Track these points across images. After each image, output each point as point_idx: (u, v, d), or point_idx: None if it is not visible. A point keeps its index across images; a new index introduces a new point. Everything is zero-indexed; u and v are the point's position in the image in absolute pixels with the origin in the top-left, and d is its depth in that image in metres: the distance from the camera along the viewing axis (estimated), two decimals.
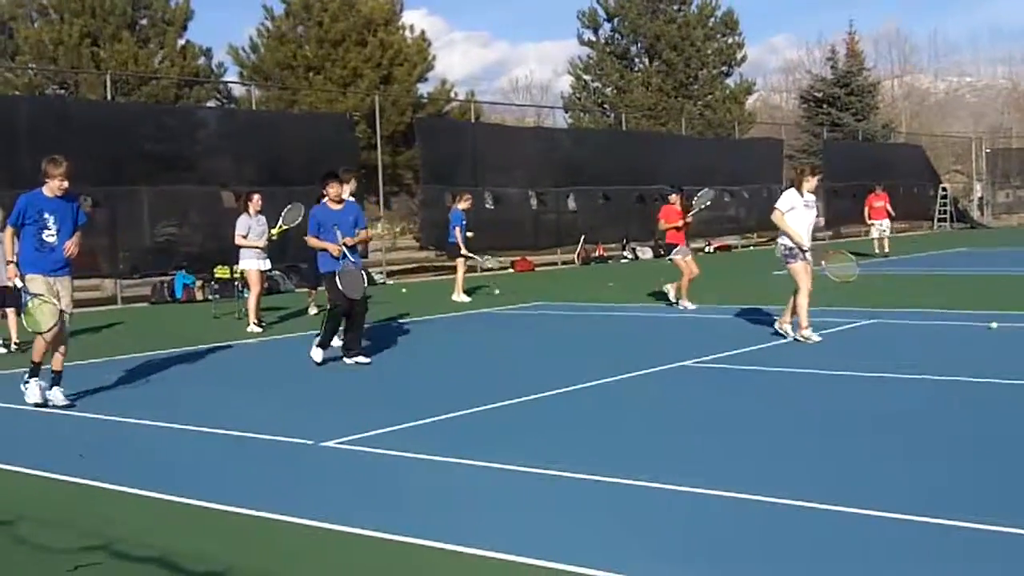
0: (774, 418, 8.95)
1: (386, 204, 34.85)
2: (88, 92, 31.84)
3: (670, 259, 18.48)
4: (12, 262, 10.27)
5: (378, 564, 5.53)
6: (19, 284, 10.14)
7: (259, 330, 16.12)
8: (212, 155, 25.54)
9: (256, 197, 16.79)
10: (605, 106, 48.37)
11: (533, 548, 5.51)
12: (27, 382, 10.31)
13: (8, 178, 20.50)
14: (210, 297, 21.80)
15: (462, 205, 21.01)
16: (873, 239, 31.78)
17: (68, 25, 33.00)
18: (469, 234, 20.90)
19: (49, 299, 9.96)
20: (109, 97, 26.46)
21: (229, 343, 15.17)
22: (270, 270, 17.79)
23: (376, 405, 10.05)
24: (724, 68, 49.41)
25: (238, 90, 36.44)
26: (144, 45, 34.53)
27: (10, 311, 14.48)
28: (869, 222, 31.60)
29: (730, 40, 49.20)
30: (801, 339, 13.09)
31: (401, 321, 17.38)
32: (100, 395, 11.02)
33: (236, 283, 19.83)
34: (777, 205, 13.22)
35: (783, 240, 13.30)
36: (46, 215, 10.03)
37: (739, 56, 49.41)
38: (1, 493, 7.20)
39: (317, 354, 12.62)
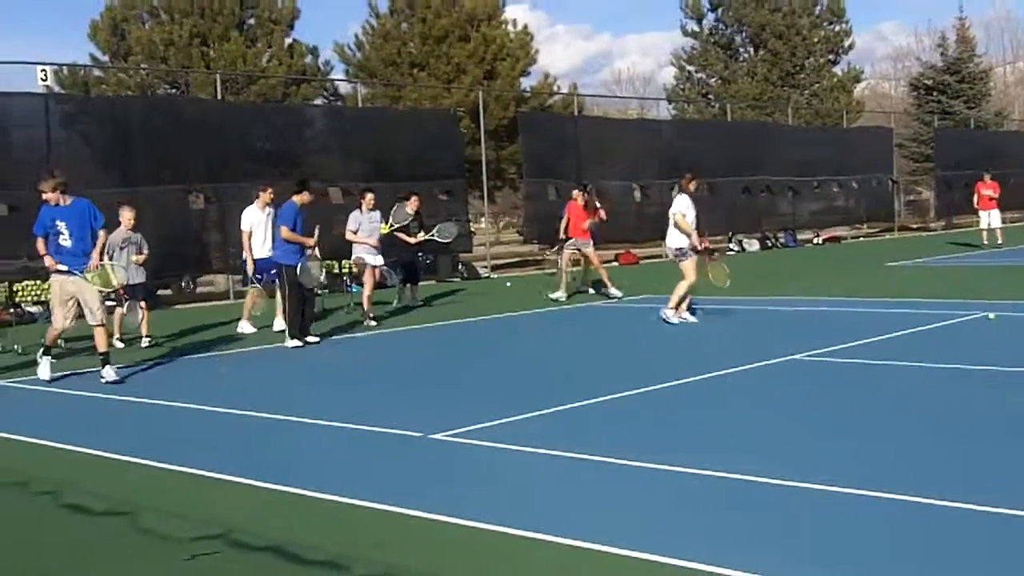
0: (889, 413, 8.79)
1: (490, 198, 34.94)
2: (198, 91, 32.43)
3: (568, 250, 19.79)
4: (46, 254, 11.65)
5: (490, 557, 5.56)
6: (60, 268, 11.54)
7: (373, 324, 16.29)
8: (319, 152, 25.86)
9: (369, 196, 17.16)
10: (709, 97, 47.93)
11: (654, 545, 5.47)
12: (39, 361, 11.94)
13: (123, 176, 21.05)
14: (319, 292, 22.08)
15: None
16: (982, 230, 30.71)
17: (178, 26, 33.65)
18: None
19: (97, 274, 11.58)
20: (219, 96, 26.94)
21: (339, 336, 15.36)
22: (382, 265, 17.97)
23: (485, 398, 10.10)
24: (831, 56, 48.62)
25: (344, 87, 36.83)
26: (252, 44, 35.05)
27: (141, 304, 14.76)
28: (977, 209, 30.42)
29: (837, 28, 48.41)
30: (663, 317, 14.81)
31: (506, 314, 17.44)
32: (216, 388, 11.24)
33: (345, 278, 20.08)
34: (681, 210, 14.73)
35: (675, 242, 14.90)
36: (58, 222, 11.50)
37: (846, 44, 48.60)
38: (123, 484, 7.39)
39: (291, 343, 14.17)
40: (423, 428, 8.48)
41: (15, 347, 14.31)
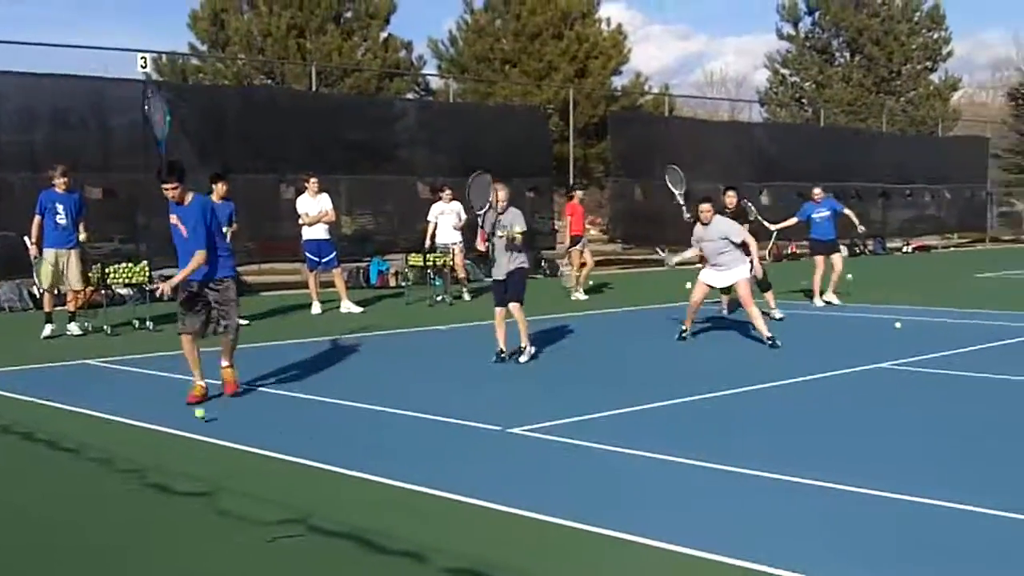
0: (970, 421, 8.65)
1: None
2: (293, 82, 32.81)
3: (577, 249, 20.34)
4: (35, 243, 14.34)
5: (565, 553, 5.57)
6: (33, 252, 14.28)
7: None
8: (409, 146, 26.02)
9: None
10: (803, 101, 47.41)
11: (719, 545, 5.45)
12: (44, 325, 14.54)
13: (217, 164, 21.34)
14: (403, 284, 22.32)
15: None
16: None
17: (276, 17, 34.07)
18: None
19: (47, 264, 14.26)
20: (313, 88, 27.24)
21: (422, 328, 15.47)
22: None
23: (567, 394, 10.09)
24: (928, 63, 47.83)
25: (436, 82, 37.06)
26: (348, 37, 35.36)
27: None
28: None
29: (936, 35, 47.59)
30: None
31: (586, 313, 17.44)
32: (295, 375, 11.37)
33: (428, 271, 20.21)
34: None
35: None
36: (58, 205, 14.40)
37: (944, 51, 47.76)
38: (204, 465, 7.50)
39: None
40: (503, 422, 8.51)
41: (104, 327, 14.62)
